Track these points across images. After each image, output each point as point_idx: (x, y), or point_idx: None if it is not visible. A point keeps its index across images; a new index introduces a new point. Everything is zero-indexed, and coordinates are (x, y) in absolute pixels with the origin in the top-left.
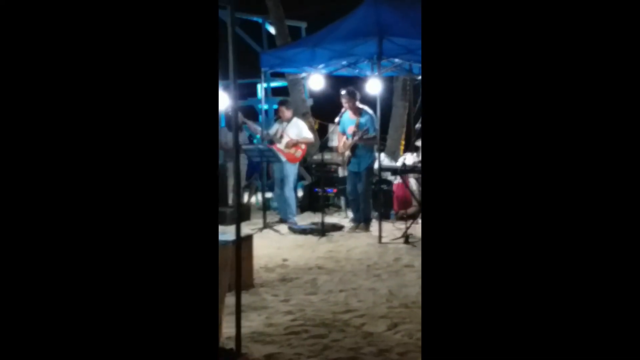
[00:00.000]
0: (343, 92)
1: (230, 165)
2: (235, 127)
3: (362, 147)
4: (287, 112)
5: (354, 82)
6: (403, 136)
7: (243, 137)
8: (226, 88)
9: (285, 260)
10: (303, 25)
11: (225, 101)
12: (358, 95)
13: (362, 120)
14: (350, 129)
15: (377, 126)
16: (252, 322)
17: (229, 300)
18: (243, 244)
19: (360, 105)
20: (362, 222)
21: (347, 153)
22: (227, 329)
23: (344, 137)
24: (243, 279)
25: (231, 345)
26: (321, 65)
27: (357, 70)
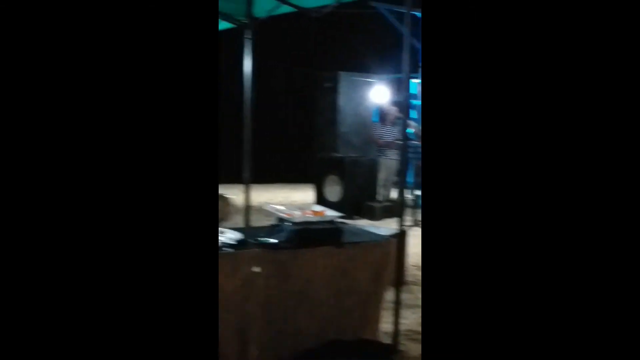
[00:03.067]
0: None
1: (381, 160)
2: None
3: None
4: None
5: None
6: None
7: (397, 132)
8: (387, 83)
9: None
10: None
11: (381, 96)
12: None
13: None
14: None
15: None
16: (406, 320)
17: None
18: (398, 240)
19: None
20: None
21: None
22: (384, 324)
23: None
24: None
25: (387, 341)
26: None
27: None
